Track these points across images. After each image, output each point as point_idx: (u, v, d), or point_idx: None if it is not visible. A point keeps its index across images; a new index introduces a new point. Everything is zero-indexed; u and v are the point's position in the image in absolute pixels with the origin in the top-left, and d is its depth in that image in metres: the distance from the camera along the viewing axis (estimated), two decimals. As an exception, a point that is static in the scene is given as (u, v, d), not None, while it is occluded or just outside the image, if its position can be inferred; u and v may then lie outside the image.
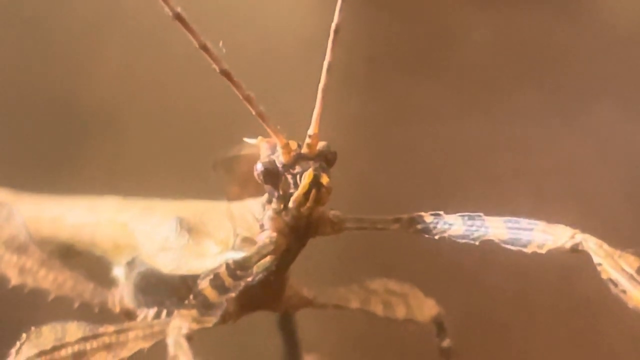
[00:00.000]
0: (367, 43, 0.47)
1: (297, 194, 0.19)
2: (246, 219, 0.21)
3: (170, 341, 0.18)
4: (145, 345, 0.21)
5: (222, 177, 0.24)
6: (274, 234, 0.20)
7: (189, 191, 0.24)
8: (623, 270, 0.18)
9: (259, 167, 0.19)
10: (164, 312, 0.22)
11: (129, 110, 0.44)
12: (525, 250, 0.18)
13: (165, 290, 0.22)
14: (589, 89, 0.47)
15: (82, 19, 0.53)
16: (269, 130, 0.19)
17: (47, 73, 0.48)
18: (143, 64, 0.47)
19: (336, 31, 0.19)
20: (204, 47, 0.18)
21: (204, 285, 0.20)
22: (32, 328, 0.20)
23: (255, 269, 0.20)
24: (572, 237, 0.18)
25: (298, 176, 0.19)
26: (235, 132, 0.20)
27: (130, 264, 0.23)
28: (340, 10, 0.19)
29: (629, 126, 0.43)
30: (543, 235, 0.18)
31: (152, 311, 0.23)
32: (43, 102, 0.45)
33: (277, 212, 0.19)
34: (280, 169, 0.19)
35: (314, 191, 0.19)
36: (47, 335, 0.21)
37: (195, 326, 0.20)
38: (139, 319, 0.23)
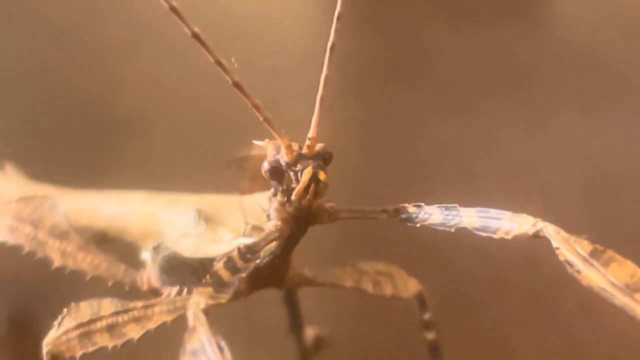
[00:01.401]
0: (359, 58, 0.47)
1: (298, 188, 0.19)
2: (255, 210, 0.21)
3: (190, 315, 0.18)
4: (169, 318, 0.21)
5: (235, 174, 0.24)
6: (279, 223, 0.20)
7: (206, 186, 0.24)
8: (578, 253, 0.18)
9: (265, 165, 0.19)
10: (185, 290, 0.22)
11: (156, 117, 0.44)
12: (494, 236, 0.18)
13: (185, 271, 0.22)
14: (549, 96, 0.47)
15: (117, 38, 0.53)
16: (274, 133, 0.19)
17: (87, 85, 0.48)
18: (168, 76, 0.47)
19: (331, 48, 0.19)
20: (219, 62, 0.18)
21: (218, 266, 0.20)
22: (72, 304, 0.21)
23: (263, 252, 0.20)
24: (534, 224, 0.18)
25: (299, 173, 0.19)
26: (246, 136, 0.20)
27: (156, 249, 0.23)
28: (335, 31, 0.19)
29: (584, 128, 0.43)
30: (509, 223, 0.18)
31: (174, 289, 0.23)
32: (83, 109, 0.45)
33: (282, 204, 0.19)
34: (284, 167, 0.19)
35: (312, 186, 0.19)
36: (84, 309, 0.21)
37: (211, 302, 0.20)
38: (163, 296, 0.23)
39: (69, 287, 0.24)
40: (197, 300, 0.19)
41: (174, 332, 0.18)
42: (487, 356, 0.27)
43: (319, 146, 0.19)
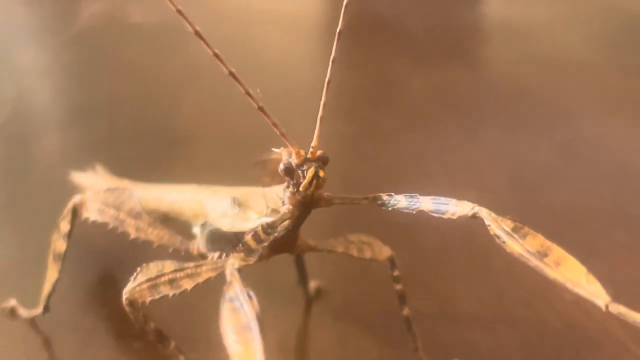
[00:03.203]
0: (346, 89, 0.47)
1: (304, 182, 0.19)
2: (274, 198, 0.21)
3: (227, 272, 0.18)
4: (212, 274, 0.21)
5: (259, 172, 0.24)
6: (291, 207, 0.20)
7: (239, 181, 0.23)
8: (503, 229, 0.18)
9: (281, 166, 0.19)
10: (224, 255, 0.22)
11: (203, 132, 0.44)
12: (443, 216, 0.18)
13: (224, 241, 0.22)
14: (482, 116, 0.47)
15: (175, 75, 0.53)
16: (287, 143, 0.19)
17: (153, 109, 0.48)
18: (212, 103, 0.47)
19: (328, 82, 0.19)
20: (248, 93, 0.18)
21: (247, 238, 0.20)
22: (143, 264, 0.21)
23: (279, 228, 0.20)
24: (473, 208, 0.18)
25: (305, 171, 0.19)
26: (267, 145, 0.20)
27: (203, 225, 0.23)
28: (330, 70, 0.19)
29: (507, 139, 0.43)
30: (454, 208, 0.18)
31: (216, 254, 0.23)
32: (150, 127, 0.44)
33: (293, 194, 0.19)
34: (294, 167, 0.19)
35: (314, 181, 0.19)
36: (152, 268, 0.21)
37: (242, 263, 0.20)
38: (208, 259, 0.23)
39: (141, 252, 0.24)
40: (233, 262, 0.19)
41: (217, 285, 0.18)
42: (437, 301, 0.27)
43: (319, 152, 0.19)
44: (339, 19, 0.19)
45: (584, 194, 0.36)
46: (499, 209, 0.18)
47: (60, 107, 0.49)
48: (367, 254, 0.23)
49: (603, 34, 0.64)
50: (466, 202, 0.18)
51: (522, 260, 0.18)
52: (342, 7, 0.19)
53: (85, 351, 0.24)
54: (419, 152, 0.40)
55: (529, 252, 0.18)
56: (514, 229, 0.18)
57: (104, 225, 0.24)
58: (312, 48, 0.61)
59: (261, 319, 0.16)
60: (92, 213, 0.24)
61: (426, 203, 0.19)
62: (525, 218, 0.18)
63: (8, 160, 0.40)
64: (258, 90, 0.18)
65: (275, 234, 0.20)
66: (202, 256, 0.23)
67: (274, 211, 0.20)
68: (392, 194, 0.19)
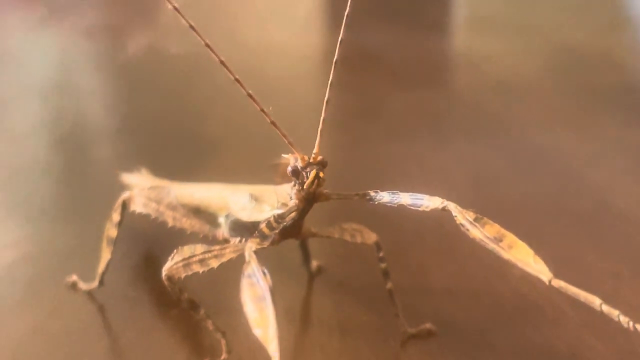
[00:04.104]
0: (341, 106, 0.47)
1: (308, 181, 0.19)
2: (283, 194, 0.21)
3: (246, 254, 0.18)
4: (234, 256, 0.21)
5: (272, 174, 0.24)
6: (297, 201, 0.19)
7: (256, 180, 0.23)
8: (467, 219, 0.18)
9: (289, 169, 0.19)
10: (243, 240, 0.22)
11: (227, 141, 0.44)
12: (419, 209, 0.18)
13: (243, 229, 0.22)
14: (452, 129, 0.47)
15: (204, 94, 0.53)
16: (294, 150, 0.19)
17: (187, 121, 0.47)
18: (235, 117, 0.46)
19: (327, 101, 0.19)
20: (262, 110, 0.18)
21: (262, 226, 0.20)
22: (179, 247, 0.21)
23: (287, 218, 0.20)
24: (442, 202, 0.18)
25: (308, 173, 0.19)
26: (278, 152, 0.20)
27: (227, 216, 0.23)
28: (329, 91, 0.19)
29: (472, 147, 0.43)
30: (427, 202, 0.18)
31: (237, 239, 0.23)
32: (184, 136, 0.44)
33: (298, 191, 0.19)
34: (300, 169, 0.19)
35: (316, 181, 0.19)
36: (186, 250, 0.20)
37: (258, 247, 0.20)
38: (231, 243, 0.22)
39: (177, 238, 0.24)
40: (250, 246, 0.19)
41: (237, 264, 0.18)
42: (414, 277, 0.27)
43: (319, 157, 0.19)
44: (335, 51, 0.19)
45: (532, 191, 0.36)
46: (464, 204, 0.18)
47: (112, 121, 0.49)
48: (358, 239, 0.23)
49: (547, 63, 0.64)
50: (437, 197, 0.18)
51: (481, 244, 0.18)
52: (337, 41, 0.19)
53: (131, 317, 0.24)
54: (399, 157, 0.40)
55: (487, 237, 0.18)
56: (476, 219, 0.18)
57: (147, 216, 0.24)
58: (314, 74, 0.61)
59: (273, 292, 0.16)
60: (138, 206, 0.24)
61: (405, 198, 0.19)
62: (484, 211, 0.18)
63: (71, 164, 0.40)
64: (270, 108, 0.18)
65: (284, 223, 0.20)
66: (226, 241, 0.23)
67: (284, 205, 0.20)
68: (378, 191, 0.19)
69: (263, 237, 0.20)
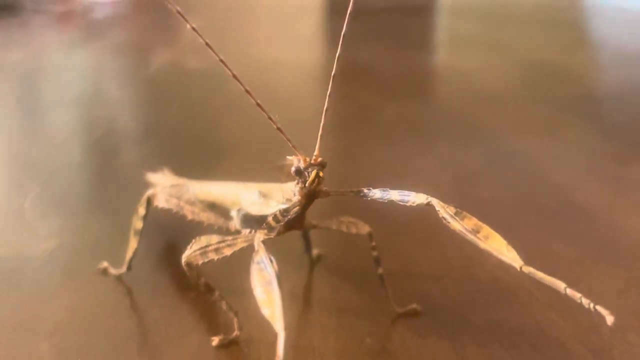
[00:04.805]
0: (338, 115, 0.47)
1: (309, 180, 0.19)
2: (288, 191, 0.20)
3: (255, 243, 0.18)
4: (245, 245, 0.20)
5: (278, 173, 0.24)
6: (300, 198, 0.19)
7: (264, 180, 0.23)
8: (448, 213, 0.18)
9: (293, 169, 0.19)
10: (253, 231, 0.22)
11: (238, 146, 0.44)
12: (407, 204, 0.18)
13: (253, 222, 0.22)
14: (434, 136, 0.46)
15: (218, 105, 0.53)
16: (297, 153, 0.19)
17: (202, 128, 0.47)
18: (245, 125, 0.46)
19: (326, 110, 0.19)
20: (270, 118, 0.18)
21: (269, 219, 0.20)
22: (197, 237, 0.20)
23: (291, 212, 0.20)
24: (427, 198, 0.18)
25: (310, 173, 0.19)
26: (283, 154, 0.20)
27: (239, 210, 0.23)
28: (328, 101, 0.19)
29: (451, 151, 0.42)
30: (414, 198, 0.18)
31: (247, 231, 0.22)
32: (201, 141, 0.44)
33: (301, 188, 0.19)
34: (302, 169, 0.19)
35: (316, 179, 0.19)
36: (203, 240, 0.20)
37: (266, 237, 0.20)
38: (242, 234, 0.22)
39: (195, 229, 0.24)
40: (259, 236, 0.19)
41: (247, 253, 0.18)
42: (401, 263, 0.27)
43: (319, 159, 0.19)
44: (333, 65, 0.19)
45: (504, 188, 0.36)
46: (445, 199, 0.18)
47: (138, 128, 0.49)
48: (353, 230, 0.23)
49: (518, 77, 0.64)
50: (422, 194, 0.18)
51: (461, 235, 0.18)
52: (335, 58, 0.19)
53: (155, 298, 0.24)
54: (389, 159, 0.40)
55: (466, 229, 0.18)
56: (456, 213, 0.18)
57: (169, 210, 0.24)
58: (314, 86, 0.61)
59: (279, 276, 0.16)
60: (160, 202, 0.24)
61: (394, 195, 0.19)
62: (463, 206, 0.18)
63: (102, 165, 0.40)
64: (277, 116, 0.18)
65: (289, 217, 0.20)
66: (238, 232, 0.23)
67: (288, 200, 0.20)
68: (370, 188, 0.19)
69: (270, 228, 0.20)
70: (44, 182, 0.37)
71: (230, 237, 0.21)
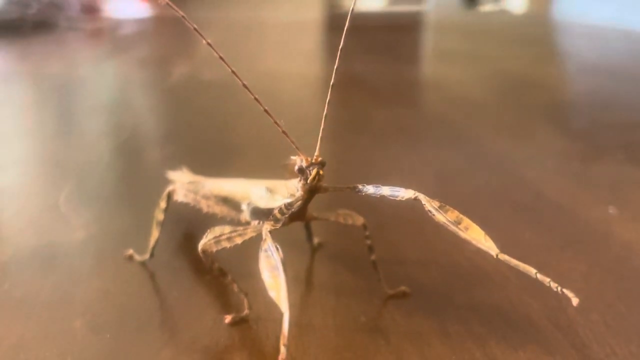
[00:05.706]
0: (336, 120, 0.46)
1: (310, 177, 0.19)
2: (292, 187, 0.20)
3: (263, 233, 0.18)
4: (254, 234, 0.20)
5: (283, 171, 0.24)
6: (302, 193, 0.19)
7: (271, 176, 0.23)
8: (433, 206, 0.18)
9: (296, 167, 0.19)
10: (261, 222, 0.22)
11: (248, 147, 0.43)
12: (396, 199, 0.18)
13: (261, 214, 0.22)
14: (419, 138, 0.46)
15: (229, 110, 0.52)
16: (300, 153, 0.19)
17: (216, 132, 0.47)
18: (254, 128, 0.46)
19: (325, 116, 0.19)
20: (276, 122, 0.18)
21: (275, 212, 0.20)
22: (211, 227, 0.20)
23: (295, 206, 0.20)
24: (414, 194, 0.18)
25: (311, 171, 0.19)
26: (288, 154, 0.19)
27: (249, 204, 0.23)
28: (327, 108, 0.19)
29: (434, 152, 0.42)
30: (403, 193, 0.18)
31: (256, 222, 0.22)
32: (214, 142, 0.44)
33: (303, 185, 0.19)
34: (304, 168, 0.19)
35: (317, 177, 0.19)
36: (216, 229, 0.20)
37: (272, 228, 0.20)
38: (251, 225, 0.22)
39: (209, 220, 0.23)
40: (266, 227, 0.19)
41: (256, 241, 0.18)
42: (391, 250, 0.27)
43: (320, 159, 0.19)
44: (332, 76, 0.19)
45: (483, 185, 0.36)
46: (430, 195, 0.18)
47: (160, 131, 0.49)
48: (349, 221, 0.23)
49: (494, 86, 0.64)
50: (410, 190, 0.18)
51: (445, 226, 0.18)
52: (333, 69, 0.19)
53: (175, 281, 0.24)
54: (380, 159, 0.40)
55: (449, 221, 0.18)
56: (440, 207, 0.18)
57: (187, 204, 0.24)
58: (315, 94, 0.61)
59: (284, 262, 0.16)
60: (180, 196, 0.24)
61: (385, 190, 0.19)
62: (446, 200, 0.18)
63: (128, 164, 0.40)
64: (282, 121, 0.18)
65: (293, 209, 0.20)
66: (247, 223, 0.23)
67: (292, 195, 0.20)
68: (364, 184, 0.19)
69: (276, 220, 0.20)
70: (77, 179, 0.36)
71: (241, 228, 0.21)
